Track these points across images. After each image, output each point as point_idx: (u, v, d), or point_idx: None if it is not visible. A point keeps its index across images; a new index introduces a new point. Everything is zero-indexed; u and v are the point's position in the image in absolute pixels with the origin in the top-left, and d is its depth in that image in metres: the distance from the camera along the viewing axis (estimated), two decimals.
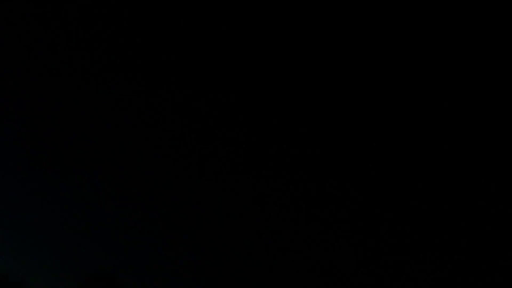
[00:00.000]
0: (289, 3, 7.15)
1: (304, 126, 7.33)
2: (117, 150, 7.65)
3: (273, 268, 7.34)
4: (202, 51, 7.27)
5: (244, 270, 7.38)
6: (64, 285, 7.63)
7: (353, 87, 7.26)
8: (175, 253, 7.69)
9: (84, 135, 7.72)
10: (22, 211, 7.86)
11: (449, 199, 7.21)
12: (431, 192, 7.27)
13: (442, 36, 7.03)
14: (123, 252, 7.77)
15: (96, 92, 7.67)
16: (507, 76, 6.92)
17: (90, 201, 7.82)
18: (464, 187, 7.18)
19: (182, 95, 7.37)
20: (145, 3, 7.28)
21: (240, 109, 7.39)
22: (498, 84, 6.95)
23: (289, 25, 7.17)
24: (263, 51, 7.27)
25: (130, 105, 7.56)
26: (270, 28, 7.17)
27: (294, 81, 7.28)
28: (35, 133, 7.78)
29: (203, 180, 7.42)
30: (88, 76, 7.69)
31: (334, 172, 7.38)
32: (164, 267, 7.67)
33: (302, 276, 7.31)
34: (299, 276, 7.30)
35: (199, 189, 7.44)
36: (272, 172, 7.44)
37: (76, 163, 7.80)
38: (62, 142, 7.73)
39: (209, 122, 7.27)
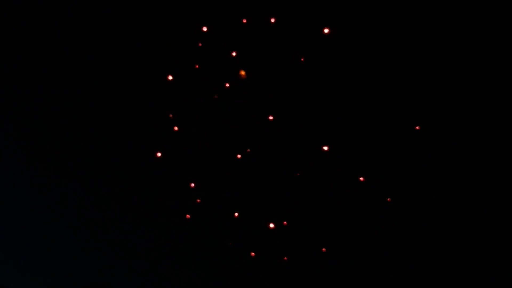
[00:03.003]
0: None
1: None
2: (114, 155, 7.57)
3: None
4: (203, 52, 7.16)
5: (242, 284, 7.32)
6: None
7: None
8: (173, 264, 7.60)
9: (81, 139, 7.64)
10: (12, 217, 7.81)
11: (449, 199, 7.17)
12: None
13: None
14: (118, 264, 7.68)
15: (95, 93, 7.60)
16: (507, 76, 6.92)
17: (85, 210, 7.74)
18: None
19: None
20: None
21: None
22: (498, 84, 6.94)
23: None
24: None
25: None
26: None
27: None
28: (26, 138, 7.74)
29: (203, 189, 7.31)
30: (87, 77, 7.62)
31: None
32: (161, 278, 7.58)
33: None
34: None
35: (199, 198, 7.33)
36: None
37: (70, 168, 7.73)
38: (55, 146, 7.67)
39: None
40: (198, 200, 7.11)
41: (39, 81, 7.55)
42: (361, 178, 6.91)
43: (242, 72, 6.70)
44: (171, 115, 6.93)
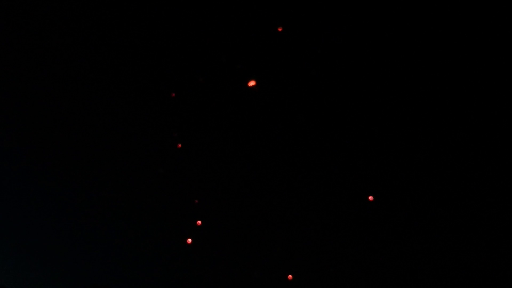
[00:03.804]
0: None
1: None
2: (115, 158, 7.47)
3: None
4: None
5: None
6: None
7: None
8: (173, 267, 7.55)
9: (86, 152, 7.57)
10: (13, 218, 7.78)
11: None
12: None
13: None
14: (119, 267, 7.65)
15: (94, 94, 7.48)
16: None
17: (87, 213, 7.68)
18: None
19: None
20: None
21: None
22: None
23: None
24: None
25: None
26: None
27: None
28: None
29: (205, 193, 7.22)
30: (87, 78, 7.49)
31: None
32: (161, 281, 7.55)
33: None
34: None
35: (201, 201, 7.24)
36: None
37: (71, 170, 7.66)
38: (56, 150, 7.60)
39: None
40: (200, 222, 7.02)
41: (46, 95, 7.47)
42: (370, 198, 6.76)
43: (253, 82, 6.46)
44: (175, 134, 6.79)
